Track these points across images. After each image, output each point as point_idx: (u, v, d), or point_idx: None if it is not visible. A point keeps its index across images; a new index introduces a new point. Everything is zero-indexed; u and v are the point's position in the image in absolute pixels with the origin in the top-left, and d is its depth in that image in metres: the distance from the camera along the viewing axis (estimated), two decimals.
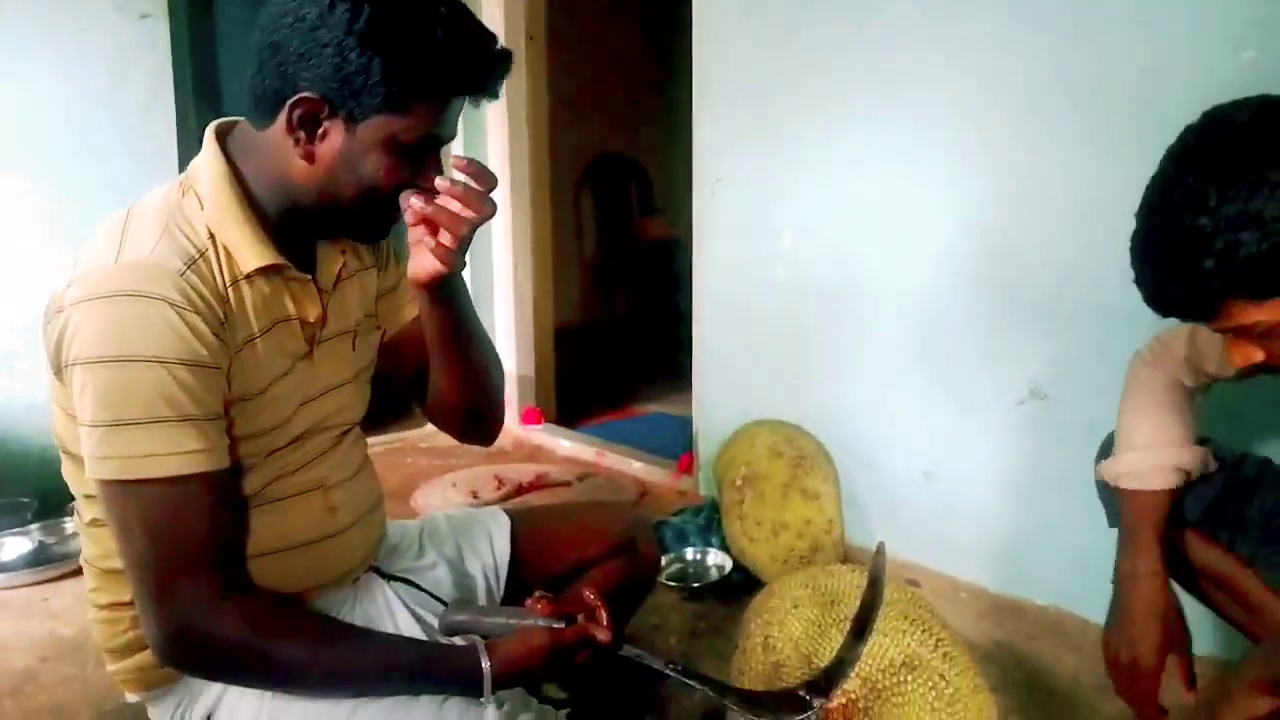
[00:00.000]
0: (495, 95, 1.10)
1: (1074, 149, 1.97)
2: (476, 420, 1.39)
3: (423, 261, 1.13)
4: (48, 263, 2.66)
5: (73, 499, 1.18)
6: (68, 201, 2.73)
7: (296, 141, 1.06)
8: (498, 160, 3.48)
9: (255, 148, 1.10)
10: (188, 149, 2.90)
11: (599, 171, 5.55)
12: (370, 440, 1.40)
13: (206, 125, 1.16)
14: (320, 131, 1.05)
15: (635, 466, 3.15)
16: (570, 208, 5.42)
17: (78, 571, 2.30)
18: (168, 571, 1.01)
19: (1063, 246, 2.01)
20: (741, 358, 2.73)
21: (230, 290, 1.07)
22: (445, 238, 1.10)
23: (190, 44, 3.01)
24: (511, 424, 3.56)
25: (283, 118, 1.04)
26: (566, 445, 3.43)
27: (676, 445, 3.12)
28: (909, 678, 1.21)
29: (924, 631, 1.30)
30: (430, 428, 3.51)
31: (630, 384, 4.35)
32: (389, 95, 1.02)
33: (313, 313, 1.18)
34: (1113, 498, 1.49)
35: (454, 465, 3.18)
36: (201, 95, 3.12)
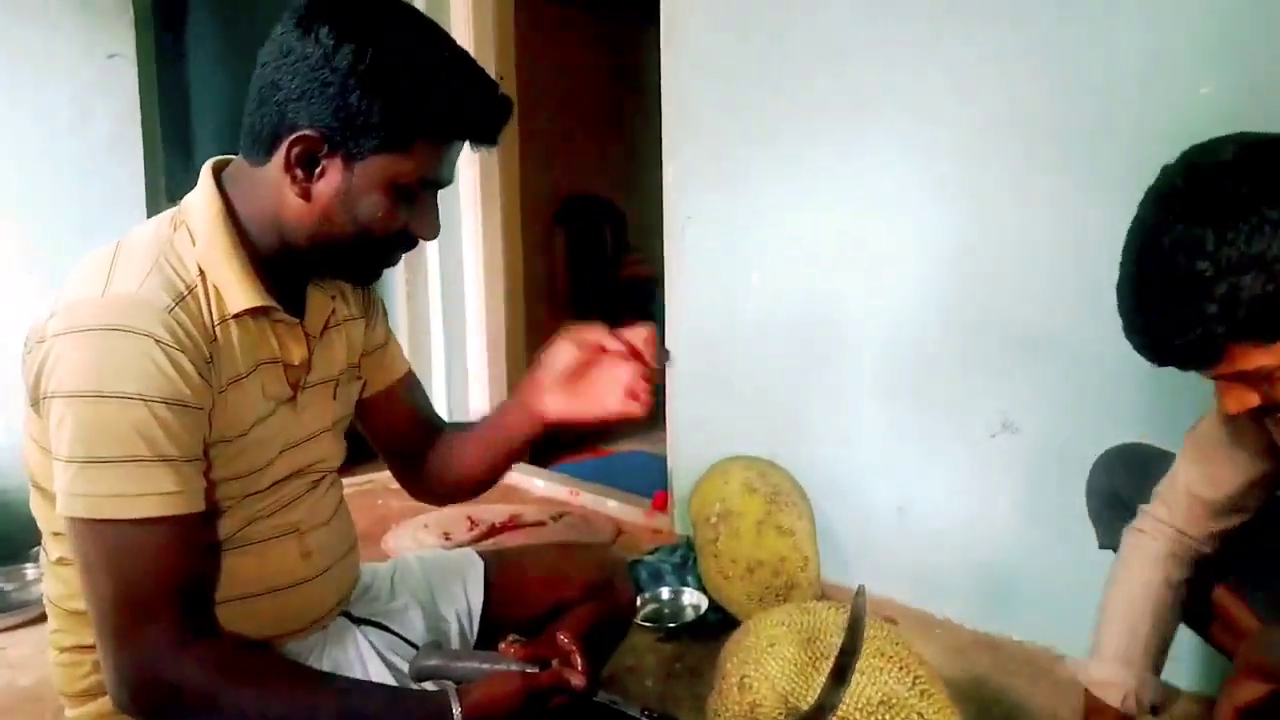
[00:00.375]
0: (494, 141, 1.11)
1: (1040, 183, 2.00)
2: (470, 492, 1.47)
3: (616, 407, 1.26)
4: (8, 306, 2.63)
5: (34, 544, 1.15)
6: (32, 239, 2.69)
7: (294, 179, 1.05)
8: (469, 201, 3.49)
9: (250, 185, 1.10)
10: (155, 189, 2.89)
11: (572, 212, 5.56)
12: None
13: (174, 166, 1.16)
14: (318, 170, 1.05)
15: (610, 505, 3.12)
16: (543, 249, 5.43)
17: (36, 620, 2.25)
18: (130, 614, 0.98)
19: (1032, 280, 2.03)
20: (715, 395, 2.73)
21: (218, 329, 1.06)
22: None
23: (159, 85, 3.00)
24: None
25: (280, 155, 1.04)
26: (540, 485, 3.40)
27: (651, 483, 3.10)
28: (887, 717, 1.19)
29: (901, 669, 1.28)
30: None
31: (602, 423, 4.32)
32: (389, 136, 1.03)
33: (298, 356, 1.16)
34: (1103, 520, 1.51)
35: (425, 507, 3.12)
36: (170, 136, 3.10)
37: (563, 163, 5.28)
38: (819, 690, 1.23)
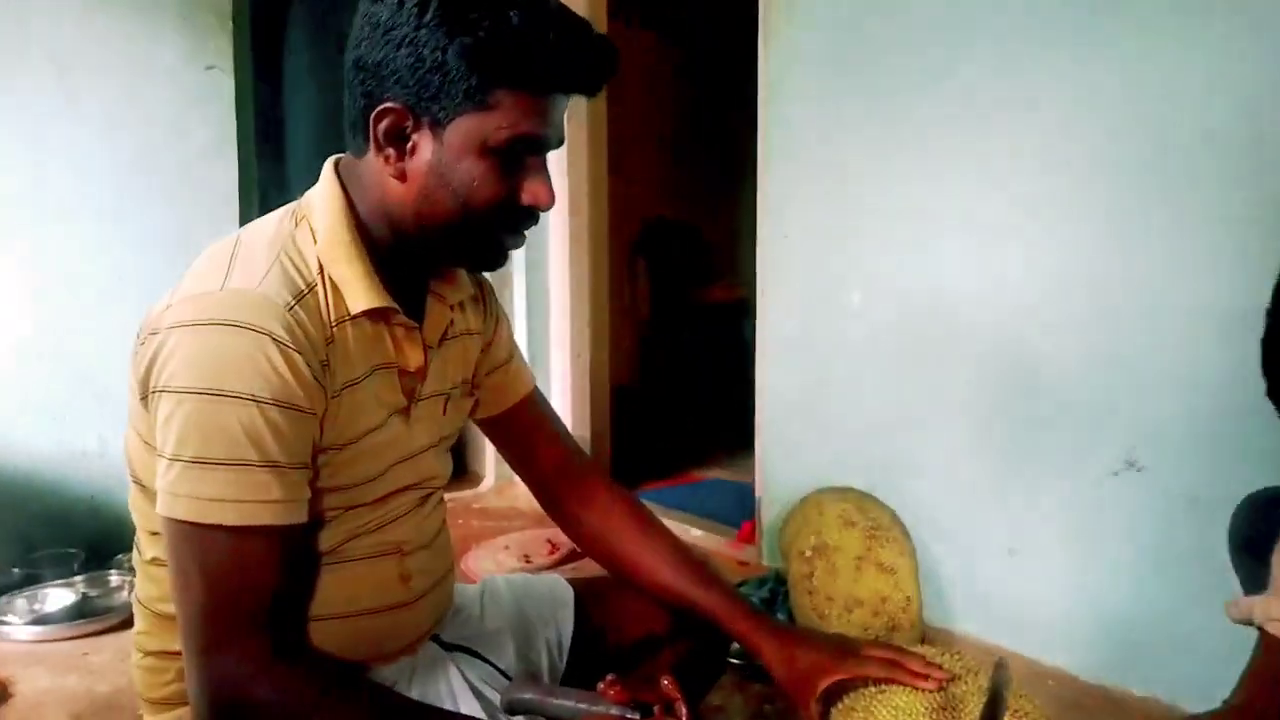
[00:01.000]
0: (591, 90, 1.02)
1: (1179, 208, 1.87)
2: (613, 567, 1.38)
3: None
4: (106, 311, 2.66)
5: (119, 550, 1.11)
6: (131, 248, 2.73)
7: (388, 160, 1.00)
8: (557, 226, 3.46)
9: (359, 177, 1.05)
10: (248, 198, 2.91)
11: (653, 238, 5.52)
12: None
13: (267, 177, 1.13)
14: (409, 146, 0.99)
15: (694, 534, 3.03)
16: (624, 273, 5.39)
17: (121, 625, 2.25)
18: (221, 627, 0.93)
19: (1163, 309, 1.90)
20: (808, 422, 2.62)
21: (336, 329, 1.00)
22: None
23: (255, 96, 3.04)
24: None
25: (373, 138, 0.99)
26: None
27: (736, 513, 3.00)
28: None
29: None
30: (484, 488, 3.47)
31: (688, 449, 4.24)
32: (469, 89, 0.95)
33: (414, 363, 1.10)
34: (1246, 568, 1.37)
35: (506, 528, 3.09)
36: (265, 147, 3.13)
37: (646, 189, 5.25)
38: None
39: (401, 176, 1.01)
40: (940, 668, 1.15)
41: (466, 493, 3.45)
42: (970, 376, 2.22)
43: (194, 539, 0.93)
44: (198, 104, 2.80)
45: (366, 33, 0.98)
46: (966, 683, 1.22)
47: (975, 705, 1.09)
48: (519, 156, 1.00)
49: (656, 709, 1.05)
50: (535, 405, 1.36)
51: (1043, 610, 2.13)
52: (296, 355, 0.94)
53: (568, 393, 3.55)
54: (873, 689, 1.27)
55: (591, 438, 3.57)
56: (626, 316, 5.35)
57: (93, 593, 2.43)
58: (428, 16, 0.94)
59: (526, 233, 1.07)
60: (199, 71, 2.79)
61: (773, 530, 2.56)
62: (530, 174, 1.01)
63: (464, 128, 0.97)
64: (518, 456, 1.37)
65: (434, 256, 1.09)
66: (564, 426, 1.40)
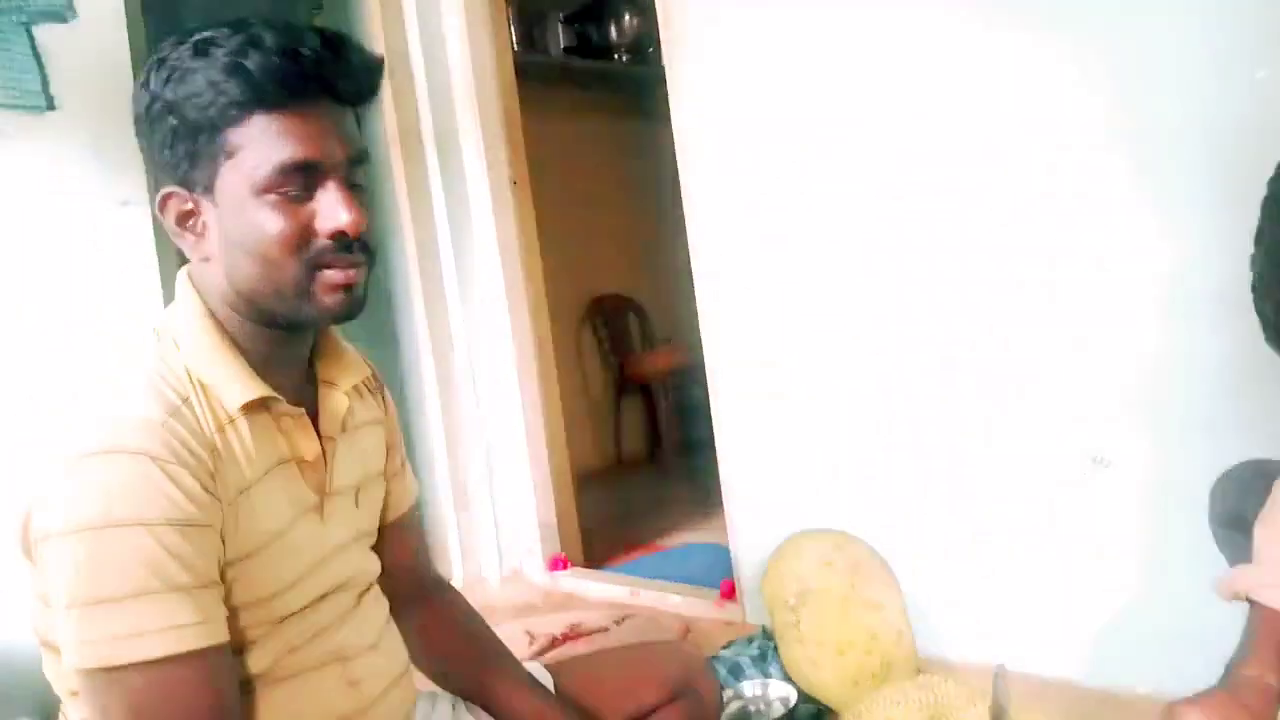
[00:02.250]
0: (346, 90, 0.98)
1: (1133, 190, 1.89)
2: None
3: None
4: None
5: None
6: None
7: (191, 248, 0.99)
8: (497, 304, 3.43)
9: (198, 278, 1.03)
10: None
11: (599, 311, 5.54)
12: None
13: None
14: (200, 225, 0.98)
15: (674, 601, 2.96)
16: (573, 351, 5.38)
17: None
18: None
19: (1122, 297, 1.91)
20: (773, 472, 2.59)
21: (218, 436, 0.95)
22: None
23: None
24: (538, 574, 3.39)
25: (170, 231, 0.98)
26: (598, 588, 3.25)
27: (714, 574, 2.93)
28: None
29: None
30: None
31: (656, 520, 4.18)
32: (209, 141, 0.93)
33: (310, 452, 1.06)
34: (1231, 545, 1.35)
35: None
36: None
37: (586, 264, 5.28)
38: None
39: (207, 258, 0.99)
40: None
41: None
42: (929, 400, 2.21)
43: (113, 684, 0.87)
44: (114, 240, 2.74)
45: (135, 130, 0.99)
46: (976, 707, 1.19)
47: (965, 707, 1.06)
48: (298, 188, 0.96)
49: None
50: (409, 521, 1.32)
51: (1033, 623, 2.09)
52: (179, 470, 0.89)
53: (529, 478, 3.49)
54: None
55: (557, 519, 3.50)
56: (578, 397, 5.32)
57: None
58: (152, 85, 0.94)
59: (358, 267, 1.00)
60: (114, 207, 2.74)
61: (753, 586, 2.51)
62: (322, 201, 0.97)
63: (229, 182, 0.95)
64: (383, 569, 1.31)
65: (287, 323, 1.03)
66: (424, 540, 1.38)
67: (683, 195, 2.68)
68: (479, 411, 3.50)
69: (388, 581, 1.28)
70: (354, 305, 1.02)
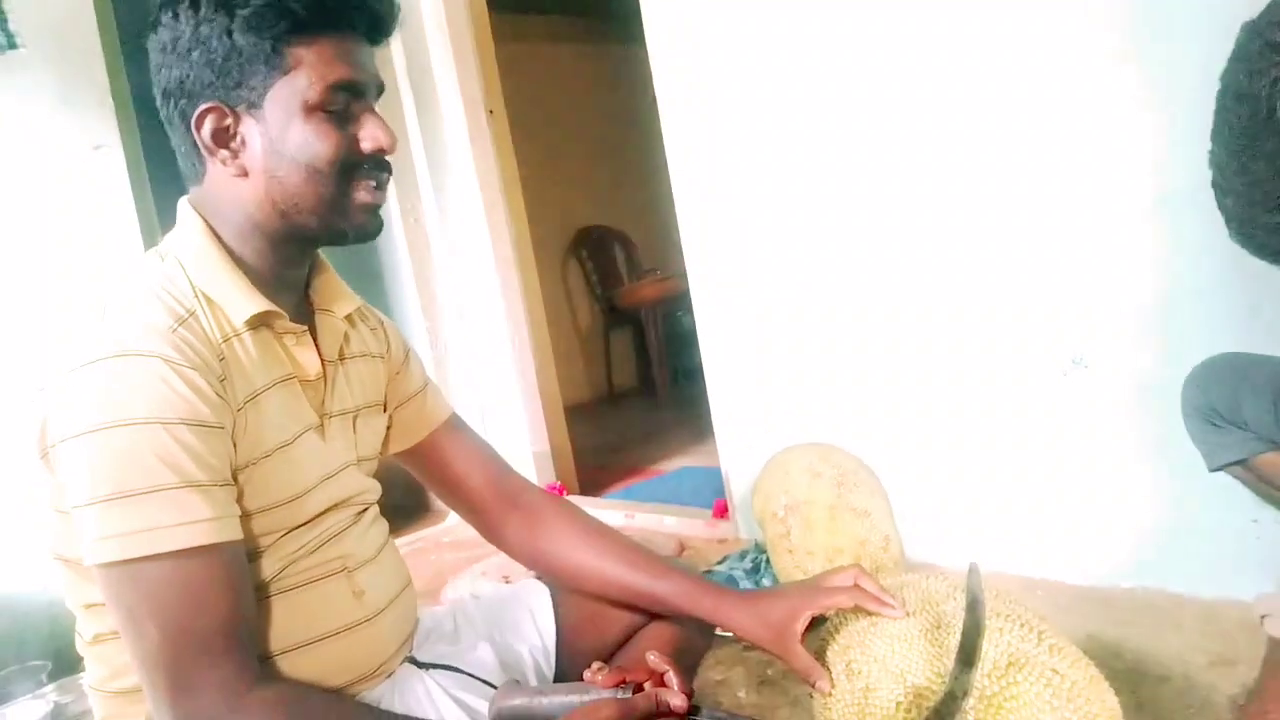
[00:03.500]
0: (376, 27, 1.05)
1: (1097, 96, 1.89)
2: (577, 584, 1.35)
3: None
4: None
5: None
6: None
7: (224, 164, 1.01)
8: (479, 238, 3.41)
9: (210, 200, 1.05)
10: None
11: (583, 244, 5.52)
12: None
13: None
14: (239, 141, 1.01)
15: (668, 522, 3.01)
16: (559, 284, 5.38)
17: None
18: (185, 661, 0.89)
19: (1093, 203, 1.92)
20: (760, 392, 2.61)
21: (224, 347, 0.99)
22: None
23: (150, 173, 2.96)
24: None
25: (203, 148, 1.01)
26: (594, 514, 3.27)
27: (707, 495, 2.99)
28: (1019, 678, 1.07)
29: (1023, 626, 1.16)
30: (451, 521, 3.41)
31: (649, 448, 4.22)
32: (267, 58, 0.98)
33: (312, 369, 1.09)
34: (1205, 440, 1.39)
35: (480, 555, 3.03)
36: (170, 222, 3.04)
37: (569, 195, 5.24)
38: (935, 663, 1.12)
39: (244, 173, 1.02)
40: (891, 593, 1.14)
41: (434, 529, 3.39)
42: (908, 311, 2.23)
43: (133, 578, 0.89)
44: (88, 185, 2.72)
45: (160, 60, 1.01)
46: (955, 599, 1.22)
47: (945, 601, 1.09)
48: (343, 106, 1.02)
49: (648, 685, 1.03)
50: (456, 430, 1.34)
51: (1016, 524, 2.14)
52: (191, 372, 0.92)
53: (521, 409, 3.51)
54: (864, 623, 1.26)
55: (551, 450, 3.53)
56: (567, 330, 5.34)
57: (64, 700, 2.33)
58: (202, 11, 0.97)
59: (384, 188, 1.07)
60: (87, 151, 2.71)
61: (744, 503, 2.55)
62: (362, 121, 1.03)
63: (279, 98, 0.99)
64: (447, 485, 1.34)
65: (313, 237, 1.07)
66: (491, 449, 1.37)
67: (661, 122, 2.66)
68: (467, 346, 3.51)
69: (463, 489, 1.32)
70: (379, 225, 1.09)
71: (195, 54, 0.98)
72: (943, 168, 2.09)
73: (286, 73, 0.99)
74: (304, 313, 1.13)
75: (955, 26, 2.01)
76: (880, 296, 2.26)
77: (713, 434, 2.81)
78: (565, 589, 1.36)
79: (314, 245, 1.10)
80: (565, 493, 3.48)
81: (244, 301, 1.01)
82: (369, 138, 1.03)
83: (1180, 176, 1.74)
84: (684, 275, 2.74)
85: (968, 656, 1.03)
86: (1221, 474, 1.63)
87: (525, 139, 3.78)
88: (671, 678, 1.02)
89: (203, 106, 0.99)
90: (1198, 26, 1.67)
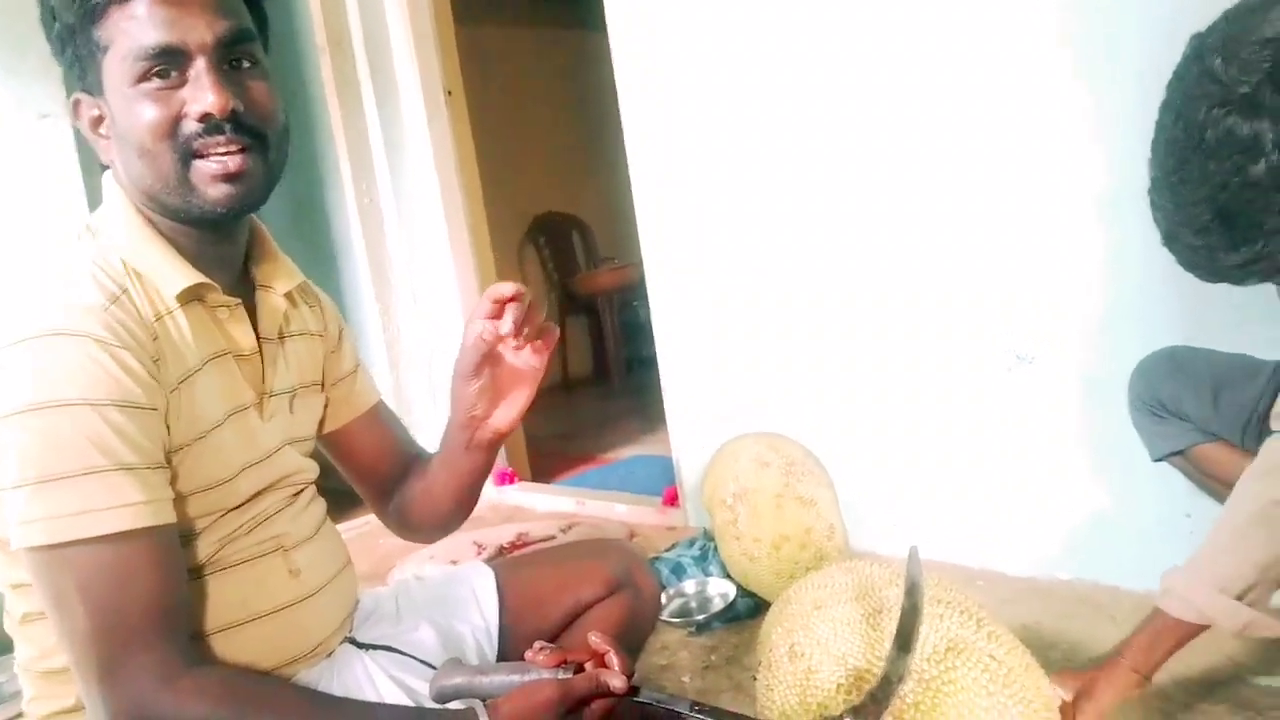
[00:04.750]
0: None
1: (1040, 96, 1.91)
2: (446, 519, 1.34)
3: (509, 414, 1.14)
4: None
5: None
6: None
7: (104, 151, 1.00)
8: (434, 221, 3.38)
9: (120, 181, 1.03)
10: None
11: (540, 230, 5.49)
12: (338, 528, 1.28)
13: None
14: (104, 127, 0.99)
15: (619, 510, 3.01)
16: (515, 269, 5.34)
17: None
18: (114, 646, 0.87)
19: (1030, 201, 1.94)
20: (712, 382, 2.62)
21: (157, 325, 0.96)
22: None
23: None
24: (486, 488, 3.40)
25: (86, 137, 1.01)
26: (545, 501, 3.29)
27: (658, 483, 2.99)
28: (957, 663, 1.09)
29: (963, 614, 1.18)
30: None
31: (602, 436, 4.22)
32: (87, 40, 0.95)
33: (246, 344, 1.06)
34: (1149, 431, 1.43)
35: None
36: None
37: (527, 180, 5.20)
38: (876, 647, 1.13)
39: (113, 160, 1.01)
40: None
41: None
42: (857, 307, 2.24)
43: (63, 562, 0.87)
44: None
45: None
46: (897, 585, 1.23)
47: (887, 587, 1.11)
48: (168, 76, 0.95)
49: (588, 665, 1.03)
50: (378, 419, 1.33)
51: (957, 517, 2.17)
52: (123, 352, 0.90)
53: None
54: (808, 607, 1.28)
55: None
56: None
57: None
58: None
59: (241, 154, 0.97)
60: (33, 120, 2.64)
61: (695, 492, 2.56)
62: (191, 85, 0.95)
63: (111, 80, 0.96)
64: (362, 469, 1.33)
65: (187, 219, 1.01)
66: (408, 440, 1.37)
67: (620, 109, 2.65)
68: (420, 329, 3.48)
69: (374, 476, 1.31)
70: (246, 195, 0.99)
71: (52, 42, 0.99)
72: (898, 163, 2.11)
73: (105, 50, 0.95)
74: (244, 289, 1.11)
75: (913, 20, 2.02)
76: (833, 292, 2.27)
77: (665, 423, 2.81)
78: (427, 530, 1.36)
79: (202, 225, 1.02)
80: (516, 478, 3.47)
81: (174, 275, 0.99)
82: (193, 101, 0.94)
83: (1126, 181, 1.76)
84: (641, 264, 2.74)
85: (904, 641, 1.05)
86: (1157, 471, 1.67)
87: (484, 122, 3.75)
88: (613, 658, 1.02)
89: (73, 97, 1.00)
90: (1146, 37, 1.70)
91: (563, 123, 5.35)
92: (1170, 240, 1.00)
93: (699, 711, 1.01)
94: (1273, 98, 0.81)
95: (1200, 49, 0.95)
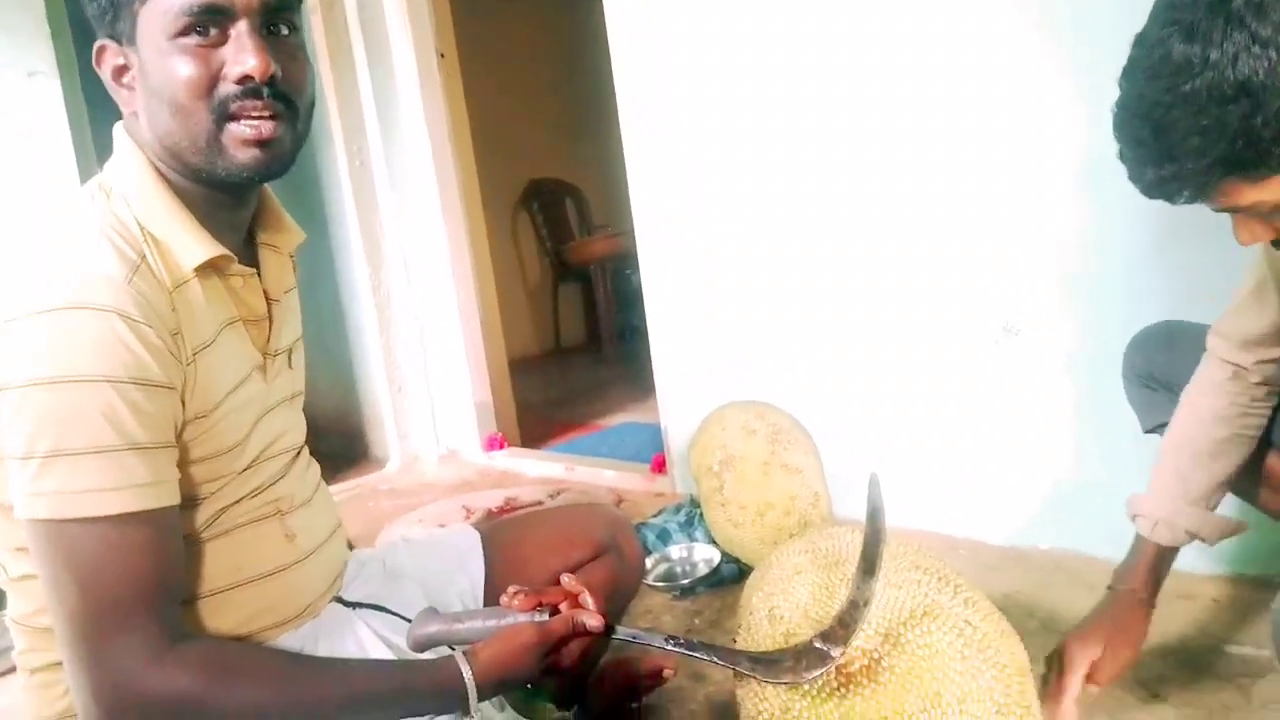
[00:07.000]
0: None
1: (1019, 66, 1.91)
2: None
3: None
4: None
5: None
6: None
7: (125, 102, 0.98)
8: (426, 185, 3.36)
9: (136, 134, 1.01)
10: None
11: (534, 196, 5.46)
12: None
13: None
14: (130, 77, 0.97)
15: (607, 476, 3.03)
16: (509, 236, 5.33)
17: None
18: (104, 626, 0.88)
19: (1017, 177, 1.95)
20: (701, 351, 2.63)
21: (175, 294, 0.95)
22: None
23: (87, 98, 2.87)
24: (474, 454, 3.43)
25: (108, 86, 0.98)
26: (534, 466, 3.30)
27: (647, 450, 3.01)
28: (932, 627, 1.11)
29: (939, 579, 1.20)
30: (389, 469, 3.40)
31: (592, 403, 4.23)
32: None
33: (258, 310, 1.07)
34: (1142, 403, 1.47)
35: (418, 502, 3.04)
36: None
37: (521, 145, 5.17)
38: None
39: (135, 112, 0.98)
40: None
41: (372, 476, 3.37)
42: (846, 277, 2.25)
43: (62, 537, 0.88)
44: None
45: None
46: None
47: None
48: (208, 33, 0.94)
49: (564, 606, 1.05)
50: None
51: (941, 486, 2.19)
52: (147, 329, 0.89)
53: (464, 359, 3.49)
54: (789, 571, 1.29)
55: (494, 401, 3.53)
56: (515, 282, 5.30)
57: None
58: None
59: (274, 120, 0.97)
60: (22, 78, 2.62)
61: (682, 459, 2.57)
62: (232, 46, 0.94)
63: (146, 31, 0.94)
64: None
65: (209, 180, 1.00)
66: None
67: (614, 78, 2.63)
68: (412, 294, 3.48)
69: None
70: (273, 162, 0.99)
71: None
72: (885, 139, 2.11)
73: (148, 2, 0.93)
74: (248, 250, 1.10)
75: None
76: (822, 261, 2.28)
77: (655, 391, 2.83)
78: None
79: (223, 188, 1.02)
80: (506, 444, 3.48)
81: (194, 245, 0.98)
82: (234, 62, 0.93)
83: (1110, 153, 1.77)
84: (634, 233, 2.74)
85: (869, 565, 1.07)
86: (1138, 442, 1.68)
87: (478, 86, 3.72)
88: (587, 599, 1.04)
89: (98, 43, 0.97)
90: (1127, 7, 1.69)
91: (558, 88, 5.31)
92: (1120, 155, 1.06)
93: (674, 645, 1.03)
94: (1208, 23, 0.87)
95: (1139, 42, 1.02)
